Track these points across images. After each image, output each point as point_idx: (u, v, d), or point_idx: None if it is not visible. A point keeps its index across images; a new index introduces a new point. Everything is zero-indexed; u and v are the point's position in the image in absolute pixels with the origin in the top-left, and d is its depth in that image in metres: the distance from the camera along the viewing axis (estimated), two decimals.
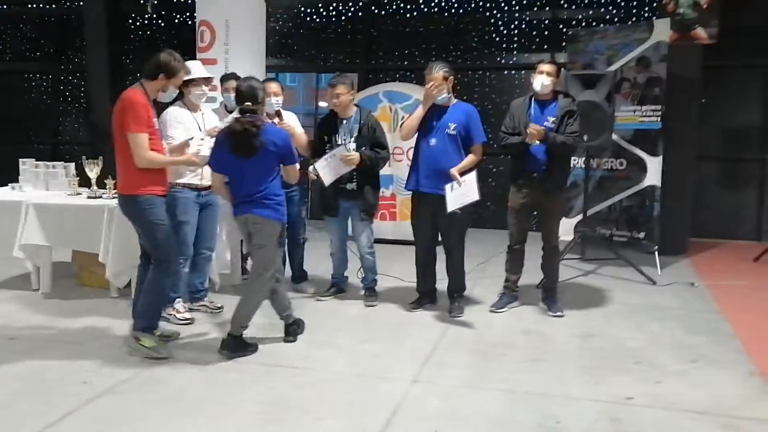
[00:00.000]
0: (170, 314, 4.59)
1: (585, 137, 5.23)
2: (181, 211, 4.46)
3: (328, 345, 4.22)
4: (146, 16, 10.02)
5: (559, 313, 4.91)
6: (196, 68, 4.55)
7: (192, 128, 4.45)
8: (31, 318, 4.71)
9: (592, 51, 6.98)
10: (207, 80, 4.61)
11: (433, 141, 4.69)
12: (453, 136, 4.66)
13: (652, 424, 3.21)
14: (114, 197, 5.24)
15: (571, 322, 4.80)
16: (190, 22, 9.27)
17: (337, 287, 5.36)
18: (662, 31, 6.40)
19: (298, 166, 4.14)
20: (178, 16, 9.97)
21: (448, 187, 4.54)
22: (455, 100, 4.80)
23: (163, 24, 10.03)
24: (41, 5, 10.50)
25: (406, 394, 3.52)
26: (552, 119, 4.75)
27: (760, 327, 4.77)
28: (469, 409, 3.36)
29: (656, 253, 6.45)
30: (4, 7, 10.68)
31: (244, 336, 4.05)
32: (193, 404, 3.36)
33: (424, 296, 5.08)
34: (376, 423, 3.18)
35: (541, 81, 4.73)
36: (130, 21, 10.22)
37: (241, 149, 3.85)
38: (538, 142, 4.64)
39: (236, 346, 3.99)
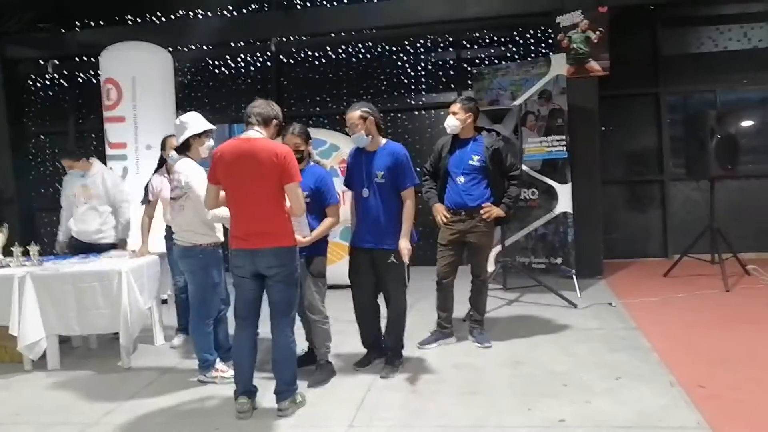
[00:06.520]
0: (215, 377, 4.43)
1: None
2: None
3: (257, 396, 4.12)
4: (47, 76, 9.76)
5: (487, 344, 4.99)
6: (202, 120, 4.36)
7: None
8: None
9: (497, 87, 7.25)
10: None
11: (365, 192, 4.38)
12: (383, 185, 4.34)
13: None
14: (23, 265, 5.03)
15: (499, 351, 4.88)
16: (94, 81, 9.06)
17: None
18: (559, 65, 6.73)
19: None
20: (82, 75, 9.75)
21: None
22: (383, 141, 4.47)
23: (66, 84, 9.78)
24: None
25: None
26: (477, 158, 4.86)
27: (674, 339, 4.99)
28: None
29: (574, 276, 6.68)
30: None
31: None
32: None
33: (372, 351, 4.72)
34: None
35: (447, 122, 4.90)
36: (30, 82, 9.92)
37: None
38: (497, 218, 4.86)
39: None
